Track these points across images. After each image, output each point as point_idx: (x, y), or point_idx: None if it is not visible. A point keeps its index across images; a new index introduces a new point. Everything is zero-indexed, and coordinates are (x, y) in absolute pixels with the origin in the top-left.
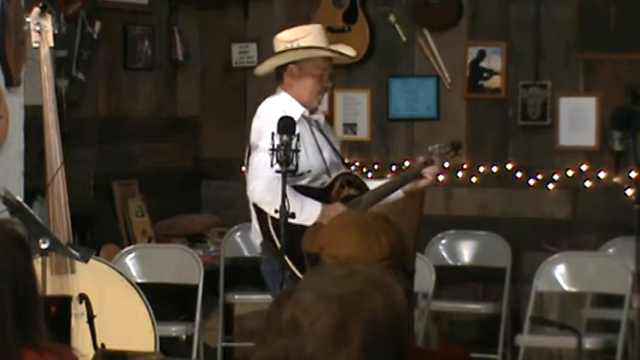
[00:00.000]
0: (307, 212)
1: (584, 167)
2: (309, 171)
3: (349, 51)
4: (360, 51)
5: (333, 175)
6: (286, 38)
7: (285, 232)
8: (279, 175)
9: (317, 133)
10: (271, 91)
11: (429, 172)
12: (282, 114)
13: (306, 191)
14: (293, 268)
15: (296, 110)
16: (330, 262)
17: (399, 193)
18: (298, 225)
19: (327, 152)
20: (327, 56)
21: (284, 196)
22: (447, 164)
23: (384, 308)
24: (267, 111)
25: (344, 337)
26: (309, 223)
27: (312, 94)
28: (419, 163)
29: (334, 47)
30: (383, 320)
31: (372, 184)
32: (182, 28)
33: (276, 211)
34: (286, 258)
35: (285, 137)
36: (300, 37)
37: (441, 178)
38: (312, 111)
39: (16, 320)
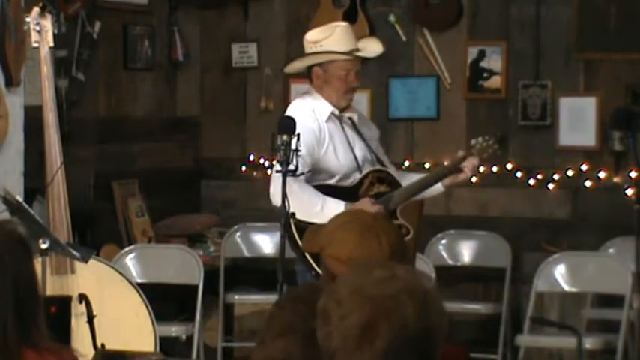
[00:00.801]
0: (330, 210)
1: (584, 167)
2: (309, 171)
3: (372, 51)
4: None
5: (364, 172)
6: (311, 39)
7: (285, 232)
8: (298, 176)
9: (349, 131)
10: (271, 91)
11: (467, 166)
12: (311, 114)
13: (334, 190)
14: (316, 267)
15: (325, 110)
16: (330, 262)
17: (439, 188)
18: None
19: (359, 150)
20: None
21: (284, 196)
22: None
23: (416, 317)
24: (295, 111)
25: (369, 337)
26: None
27: (338, 94)
28: (458, 157)
29: (361, 44)
30: (412, 329)
31: (409, 179)
32: (182, 28)
33: (293, 214)
34: (309, 258)
35: (285, 137)
36: (322, 39)
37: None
38: (345, 109)
39: (17, 320)
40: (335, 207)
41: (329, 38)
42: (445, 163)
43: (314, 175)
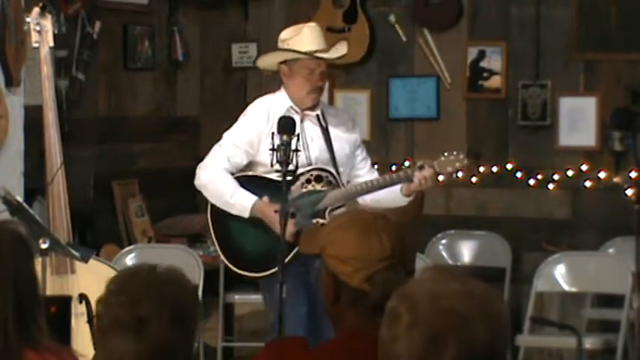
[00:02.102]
0: (239, 204)
1: (584, 167)
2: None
3: (336, 53)
4: (360, 51)
5: (303, 170)
6: (281, 37)
7: (284, 232)
8: (219, 167)
9: (309, 130)
10: (271, 91)
11: (419, 176)
12: (263, 113)
13: (265, 182)
14: (226, 262)
15: (283, 106)
16: (331, 262)
17: (399, 196)
18: (235, 216)
19: (314, 149)
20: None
21: (285, 196)
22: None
23: (486, 338)
24: (251, 108)
25: (437, 349)
26: (242, 214)
27: (302, 92)
28: (414, 167)
29: (334, 48)
30: (481, 349)
31: (360, 183)
32: (182, 28)
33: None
34: (220, 253)
35: (285, 137)
36: (289, 38)
37: (441, 178)
38: (311, 108)
39: (17, 320)
40: (244, 199)
41: (295, 37)
42: (402, 170)
43: (255, 165)
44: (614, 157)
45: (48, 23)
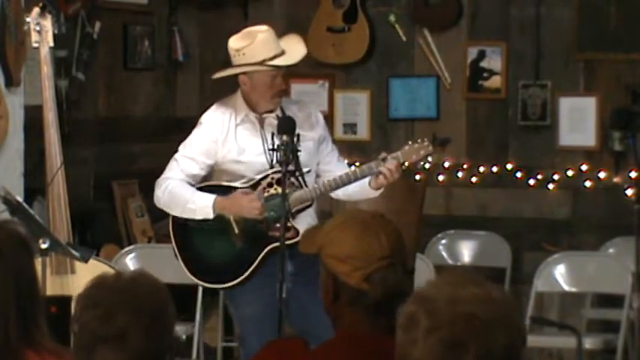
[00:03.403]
0: (199, 207)
1: (584, 167)
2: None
3: (296, 55)
4: (360, 51)
5: (262, 174)
6: (234, 46)
7: (284, 233)
8: (174, 179)
9: (268, 134)
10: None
11: (383, 170)
12: (218, 120)
13: (227, 190)
14: (195, 279)
15: (239, 113)
16: (330, 262)
17: (368, 189)
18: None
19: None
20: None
21: (284, 196)
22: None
23: (505, 342)
24: (205, 116)
25: (455, 355)
26: (207, 216)
27: (266, 99)
28: (377, 159)
29: (284, 43)
30: (500, 354)
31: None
32: (182, 28)
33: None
34: (186, 269)
35: (285, 137)
36: (244, 47)
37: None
38: (270, 111)
39: (18, 321)
40: (203, 200)
41: (250, 46)
42: (366, 164)
43: (219, 174)
44: (614, 157)
45: (48, 23)
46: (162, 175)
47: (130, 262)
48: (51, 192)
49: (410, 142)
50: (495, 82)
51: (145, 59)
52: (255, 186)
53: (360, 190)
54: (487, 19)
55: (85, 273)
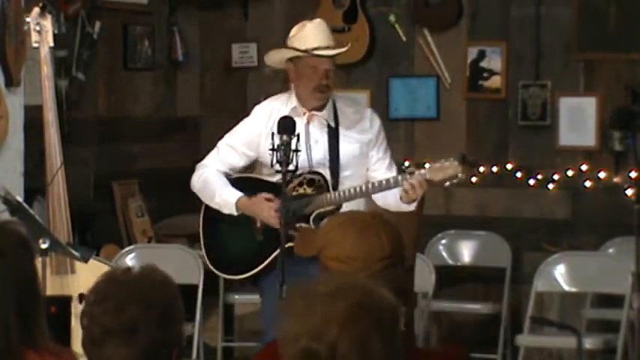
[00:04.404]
0: (224, 202)
1: (584, 167)
2: (245, 168)
3: (335, 50)
4: (360, 51)
5: (299, 172)
6: (290, 34)
7: (285, 232)
8: (211, 168)
9: (315, 131)
10: (271, 91)
11: (406, 185)
12: (265, 115)
13: (259, 183)
14: (211, 267)
15: (286, 109)
16: (330, 263)
17: (403, 205)
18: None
19: (317, 151)
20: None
21: (284, 196)
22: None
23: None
24: (256, 109)
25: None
26: (233, 212)
27: (307, 91)
28: (404, 173)
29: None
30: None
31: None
32: (182, 28)
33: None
34: (205, 256)
35: (285, 137)
36: (293, 35)
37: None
38: (318, 109)
39: (19, 321)
40: (229, 196)
41: (298, 34)
42: (392, 177)
43: (260, 167)
44: (614, 157)
45: (48, 23)
46: (203, 161)
47: (130, 262)
48: (51, 192)
49: (442, 161)
50: (495, 82)
51: (145, 59)
52: (288, 183)
53: (395, 201)
54: (487, 19)
55: (85, 273)
